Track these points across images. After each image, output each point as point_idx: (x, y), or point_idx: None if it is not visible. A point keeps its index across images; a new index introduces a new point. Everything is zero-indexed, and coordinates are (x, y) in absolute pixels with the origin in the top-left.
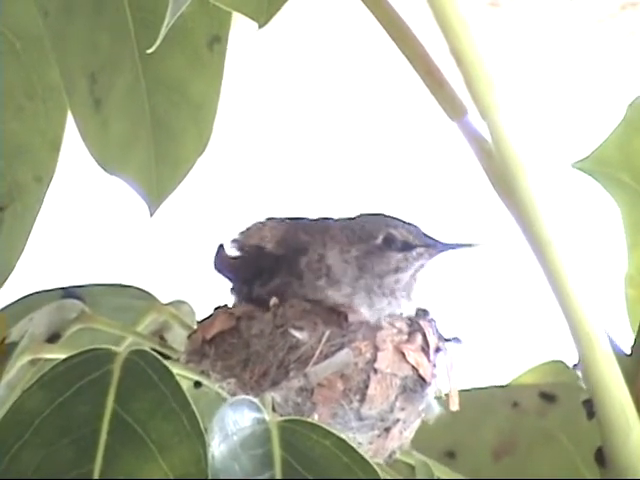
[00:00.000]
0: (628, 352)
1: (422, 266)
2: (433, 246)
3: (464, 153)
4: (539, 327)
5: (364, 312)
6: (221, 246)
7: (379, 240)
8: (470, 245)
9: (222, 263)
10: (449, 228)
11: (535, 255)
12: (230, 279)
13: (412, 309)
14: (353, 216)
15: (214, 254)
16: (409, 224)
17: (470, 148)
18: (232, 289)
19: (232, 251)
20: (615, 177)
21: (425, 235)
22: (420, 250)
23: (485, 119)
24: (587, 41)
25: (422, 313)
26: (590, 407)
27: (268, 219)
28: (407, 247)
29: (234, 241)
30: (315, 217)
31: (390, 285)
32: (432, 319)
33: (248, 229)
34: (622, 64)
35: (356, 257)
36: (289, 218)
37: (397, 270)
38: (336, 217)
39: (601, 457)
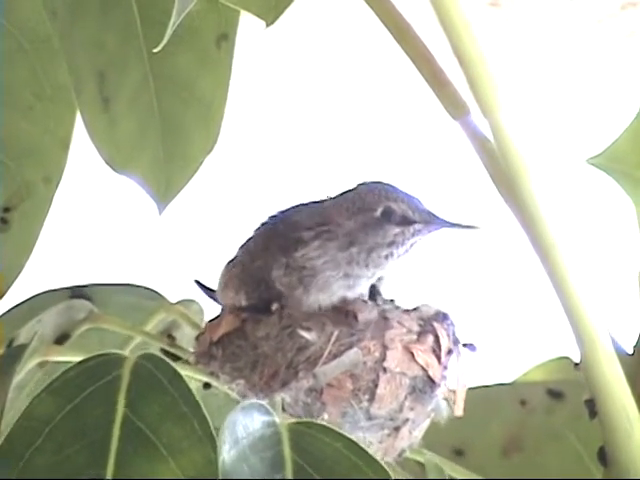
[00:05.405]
0: (630, 352)
1: (416, 243)
2: (432, 223)
3: (466, 152)
4: (546, 324)
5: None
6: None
7: (378, 213)
8: (468, 227)
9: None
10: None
11: (537, 254)
12: None
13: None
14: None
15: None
16: (410, 196)
17: (472, 147)
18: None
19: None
20: (630, 173)
21: (425, 211)
22: (418, 226)
23: (487, 118)
24: (587, 41)
25: (442, 316)
26: (592, 406)
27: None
28: (405, 221)
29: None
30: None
31: (379, 259)
32: (451, 323)
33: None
34: (622, 64)
35: (348, 233)
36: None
37: (391, 244)
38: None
39: (603, 457)
